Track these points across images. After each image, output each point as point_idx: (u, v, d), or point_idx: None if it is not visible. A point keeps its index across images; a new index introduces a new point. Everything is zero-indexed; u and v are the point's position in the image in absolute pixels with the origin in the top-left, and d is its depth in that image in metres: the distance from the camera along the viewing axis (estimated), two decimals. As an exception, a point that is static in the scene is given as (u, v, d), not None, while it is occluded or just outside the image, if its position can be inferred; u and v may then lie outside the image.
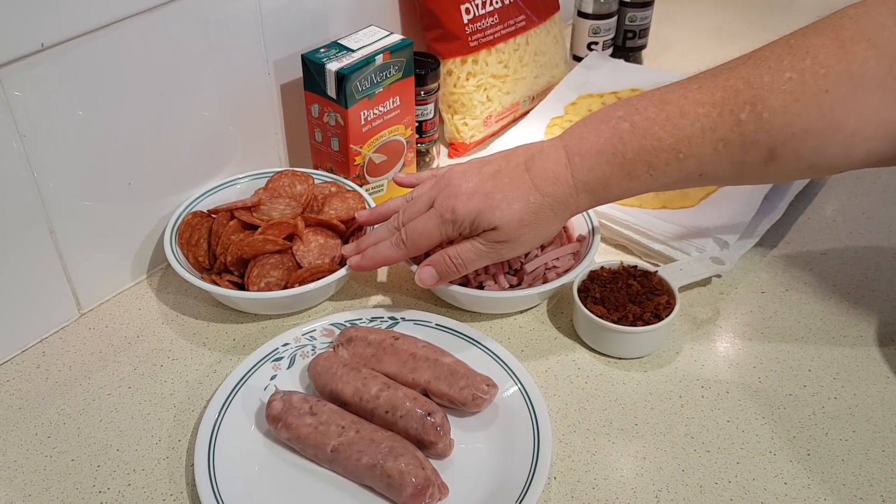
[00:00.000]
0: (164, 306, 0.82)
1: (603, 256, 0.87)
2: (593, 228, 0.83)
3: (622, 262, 0.80)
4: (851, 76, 0.62)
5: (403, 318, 0.77)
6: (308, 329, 0.76)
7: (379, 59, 0.84)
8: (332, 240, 0.81)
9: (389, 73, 0.86)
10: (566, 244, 0.82)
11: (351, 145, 0.86)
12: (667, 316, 0.74)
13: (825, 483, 0.65)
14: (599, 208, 0.87)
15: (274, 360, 0.73)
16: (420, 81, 0.92)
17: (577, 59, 1.19)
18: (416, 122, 0.94)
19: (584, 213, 0.84)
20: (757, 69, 0.65)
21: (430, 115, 0.97)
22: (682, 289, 0.80)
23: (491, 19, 1.01)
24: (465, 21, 0.98)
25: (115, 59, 0.73)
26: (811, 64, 0.63)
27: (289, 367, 0.73)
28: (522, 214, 0.70)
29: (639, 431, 0.69)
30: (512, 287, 0.80)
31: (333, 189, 0.87)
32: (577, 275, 0.78)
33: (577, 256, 0.81)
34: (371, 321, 0.77)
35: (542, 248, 0.81)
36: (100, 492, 0.65)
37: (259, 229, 0.79)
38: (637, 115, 0.67)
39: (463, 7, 0.98)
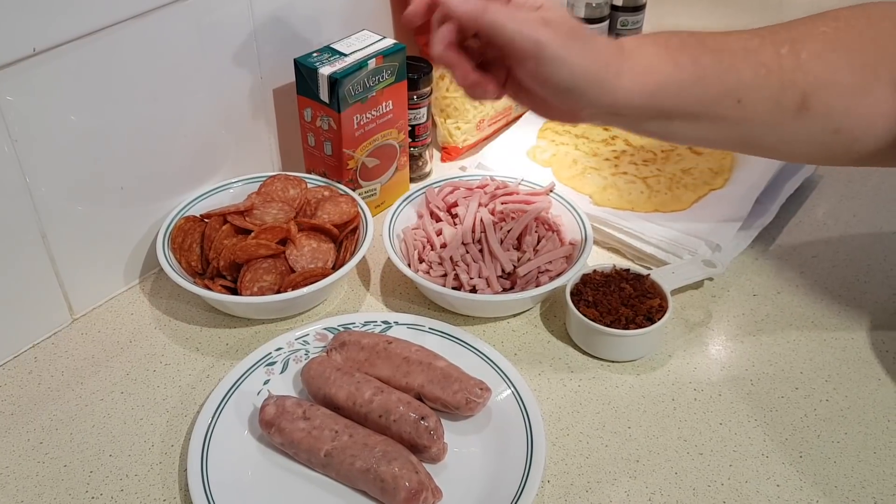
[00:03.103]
0: (157, 311, 0.82)
1: (595, 260, 0.87)
2: (586, 232, 0.83)
3: (615, 266, 0.80)
4: (880, 45, 0.64)
5: (397, 322, 0.77)
6: (301, 333, 0.76)
7: (371, 64, 0.84)
8: (325, 244, 0.81)
9: (382, 78, 0.86)
10: (559, 247, 0.83)
11: (344, 149, 0.87)
12: (659, 319, 0.74)
13: (817, 485, 0.65)
14: (592, 212, 0.88)
15: (267, 365, 0.73)
16: (413, 86, 0.92)
17: (570, 62, 1.19)
18: (409, 126, 0.95)
19: (577, 217, 0.84)
20: (793, 23, 0.67)
21: (423, 120, 0.97)
22: (675, 292, 0.80)
23: (483, 23, 1.01)
24: (458, 25, 0.98)
25: (108, 63, 0.73)
26: (843, 25, 0.65)
27: (282, 372, 0.73)
28: (578, 26, 0.62)
29: (632, 434, 0.69)
30: (505, 290, 0.80)
31: (326, 193, 0.87)
32: (570, 278, 0.78)
33: (570, 260, 0.81)
34: (364, 325, 0.77)
35: (535, 251, 0.82)
36: (93, 497, 0.64)
37: (252, 234, 0.79)
38: (685, 31, 0.69)
39: (455, 11, 0.98)
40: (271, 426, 0.65)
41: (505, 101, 1.06)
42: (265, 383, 0.71)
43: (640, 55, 0.64)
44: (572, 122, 0.69)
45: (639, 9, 1.18)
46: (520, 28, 0.60)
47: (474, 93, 0.65)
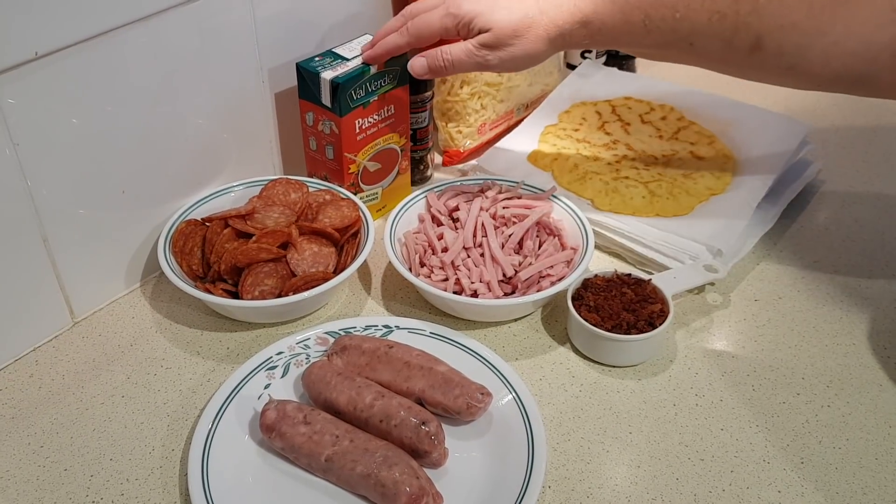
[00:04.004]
0: (158, 315, 0.82)
1: (597, 264, 0.87)
2: (587, 236, 0.83)
3: (616, 271, 0.80)
4: None
5: (398, 327, 0.77)
6: (302, 338, 0.76)
7: (373, 69, 0.84)
8: (326, 248, 0.81)
9: (384, 82, 0.86)
10: (560, 252, 0.82)
11: (345, 153, 0.87)
12: (660, 324, 0.74)
13: (819, 491, 0.65)
14: (593, 216, 0.88)
15: (268, 369, 0.73)
16: (414, 90, 0.92)
17: (571, 67, 1.19)
18: (411, 130, 0.95)
19: (578, 221, 0.84)
20: None
21: (425, 124, 0.97)
22: (676, 297, 0.80)
23: (485, 28, 1.01)
24: (460, 29, 0.98)
25: (110, 67, 0.73)
26: None
27: (283, 376, 0.73)
28: (517, 24, 0.75)
29: (633, 440, 0.69)
30: (506, 295, 0.80)
31: (328, 197, 0.87)
32: (571, 283, 0.78)
33: (571, 264, 0.81)
34: (365, 329, 0.77)
35: (537, 256, 0.82)
36: (93, 502, 0.64)
37: (253, 237, 0.79)
38: None
39: (457, 15, 0.98)
40: (272, 431, 0.65)
41: (506, 106, 1.06)
42: (266, 387, 0.71)
43: (597, 20, 0.73)
44: None
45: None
46: (467, 67, 0.79)
47: None
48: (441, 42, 0.81)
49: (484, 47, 0.77)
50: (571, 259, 0.82)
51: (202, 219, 0.84)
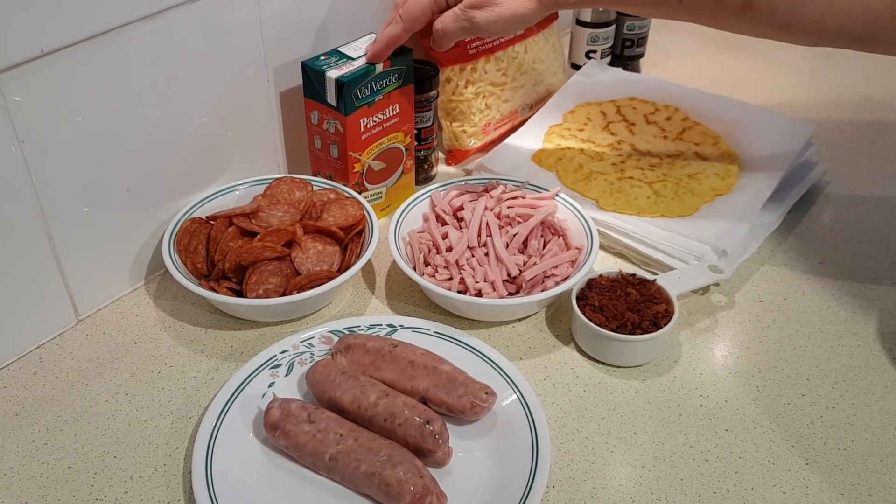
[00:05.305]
0: (162, 313, 0.82)
1: (601, 264, 0.87)
2: (592, 236, 0.83)
3: (621, 271, 0.80)
4: None
5: (402, 326, 0.77)
6: (306, 336, 0.76)
7: (379, 67, 0.84)
8: (330, 247, 0.81)
9: (389, 81, 0.86)
10: (564, 252, 0.82)
11: (350, 152, 0.87)
12: (665, 324, 0.74)
13: (824, 492, 0.65)
14: (598, 217, 0.87)
15: (272, 368, 0.73)
16: (419, 89, 0.92)
17: (576, 67, 1.19)
18: (415, 129, 0.94)
19: (583, 221, 0.84)
20: None
21: (429, 123, 0.97)
22: (681, 297, 0.80)
23: (490, 27, 1.01)
24: (465, 29, 0.98)
25: (115, 65, 0.73)
26: None
27: (287, 375, 0.73)
28: None
29: (637, 440, 0.69)
30: (510, 295, 0.79)
31: (332, 196, 0.87)
32: (576, 283, 0.78)
33: (576, 264, 0.81)
34: (369, 328, 0.77)
35: (541, 255, 0.82)
36: (97, 499, 0.64)
37: (257, 236, 0.79)
38: None
39: (462, 15, 0.98)
40: (276, 429, 0.65)
41: (511, 106, 1.06)
42: (270, 386, 0.71)
43: None
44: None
45: (645, 13, 1.18)
46: (456, 32, 0.80)
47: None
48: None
49: (470, 8, 0.77)
50: (576, 259, 0.82)
51: (207, 217, 0.84)
